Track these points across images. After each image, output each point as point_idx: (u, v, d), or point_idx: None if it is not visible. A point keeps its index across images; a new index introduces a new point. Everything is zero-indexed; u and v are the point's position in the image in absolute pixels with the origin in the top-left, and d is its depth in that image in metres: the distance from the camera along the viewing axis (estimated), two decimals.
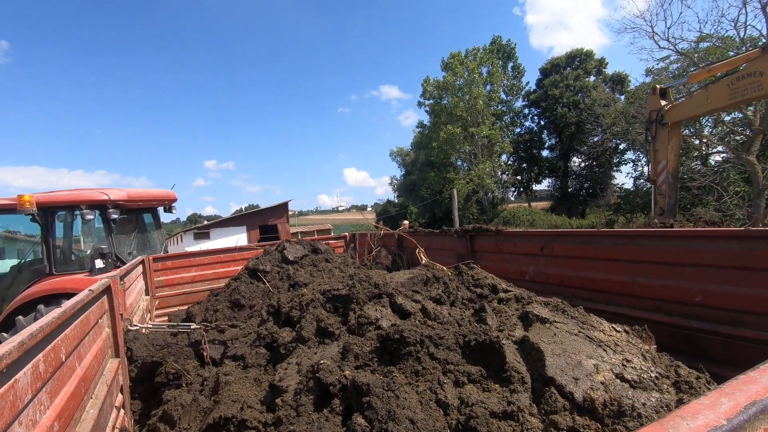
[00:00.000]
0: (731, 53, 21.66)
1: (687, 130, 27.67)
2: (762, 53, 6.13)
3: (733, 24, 18.54)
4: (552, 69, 39.69)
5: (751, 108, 22.59)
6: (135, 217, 6.91)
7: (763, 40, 18.56)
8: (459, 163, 40.15)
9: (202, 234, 32.07)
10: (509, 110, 42.33)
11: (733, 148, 22.74)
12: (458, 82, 37.99)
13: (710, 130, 27.27)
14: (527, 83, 42.44)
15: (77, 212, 5.89)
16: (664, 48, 21.74)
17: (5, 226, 6.24)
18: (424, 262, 3.28)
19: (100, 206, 5.96)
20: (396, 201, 50.22)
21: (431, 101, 40.16)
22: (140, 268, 4.95)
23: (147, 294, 5.03)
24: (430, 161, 40.70)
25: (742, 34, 18.78)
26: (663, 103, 7.87)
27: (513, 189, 44.76)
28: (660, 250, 2.58)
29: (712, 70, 7.43)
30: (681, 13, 28.68)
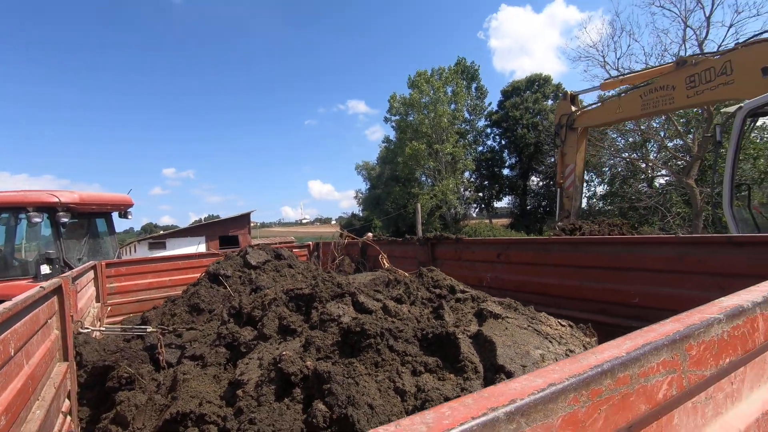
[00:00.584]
0: None
1: (635, 153, 29.60)
2: (676, 68, 6.19)
3: (674, 58, 20.15)
4: (513, 91, 41.47)
5: (690, 136, 24.52)
6: (87, 222, 6.61)
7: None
8: (423, 178, 40.92)
9: (158, 244, 30.71)
10: (472, 129, 43.77)
11: (675, 172, 24.53)
12: (424, 100, 38.93)
13: (655, 154, 29.30)
14: (490, 104, 44.08)
15: (23, 214, 5.57)
16: (615, 77, 23.25)
17: None
18: (386, 267, 3.37)
19: (50, 209, 5.67)
20: (361, 214, 50.27)
21: (397, 117, 40.91)
22: (91, 274, 4.73)
23: (98, 301, 4.80)
24: (396, 176, 41.21)
25: None
26: (573, 108, 7.85)
27: (475, 205, 45.97)
28: (602, 256, 2.79)
29: (626, 80, 7.44)
30: (629, 46, 30.91)
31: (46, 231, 5.87)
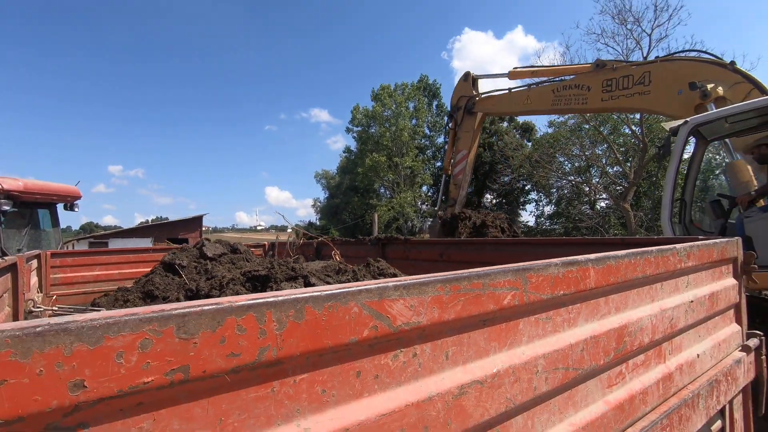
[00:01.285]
0: (615, 116, 25.56)
1: (579, 177, 31.64)
2: (595, 69, 6.01)
3: None
4: None
5: (629, 164, 26.60)
6: (30, 212, 6.35)
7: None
8: (382, 190, 41.52)
9: (99, 243, 29.07)
10: (432, 144, 45.03)
11: (614, 196, 26.49)
12: (386, 113, 39.71)
13: (597, 179, 31.48)
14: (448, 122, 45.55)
15: None
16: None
17: None
18: (338, 260, 3.60)
19: None
20: (318, 223, 49.99)
21: (359, 128, 41.43)
22: (34, 263, 4.59)
23: (40, 291, 4.66)
24: (355, 186, 41.53)
25: None
26: (474, 92, 7.36)
27: (431, 219, 47.01)
28: (533, 255, 3.18)
29: (538, 72, 6.96)
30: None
31: None
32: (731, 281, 1.84)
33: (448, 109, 7.69)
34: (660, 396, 1.29)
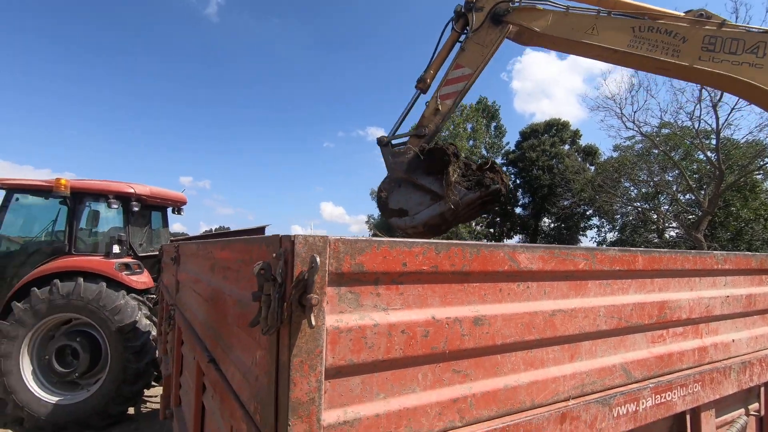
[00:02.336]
0: (687, 141, 24.36)
1: (646, 204, 30.15)
2: (697, 22, 4.85)
3: (689, 116, 21.00)
4: (531, 133, 42.70)
5: (702, 191, 25.04)
6: (149, 214, 7.55)
7: (713, 136, 21.06)
8: None
9: None
10: None
11: (685, 225, 24.98)
12: (443, 134, 40.28)
13: (667, 207, 29.84)
14: (507, 143, 45.24)
15: (104, 201, 6.52)
16: (630, 129, 24.08)
17: (26, 205, 6.76)
18: None
19: (125, 198, 6.63)
20: None
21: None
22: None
23: None
24: None
25: (696, 126, 21.31)
26: None
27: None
28: None
29: (604, 1, 5.20)
30: (646, 101, 31.99)
31: (119, 217, 6.81)
32: None
33: (461, 5, 5.17)
34: (695, 360, 1.73)
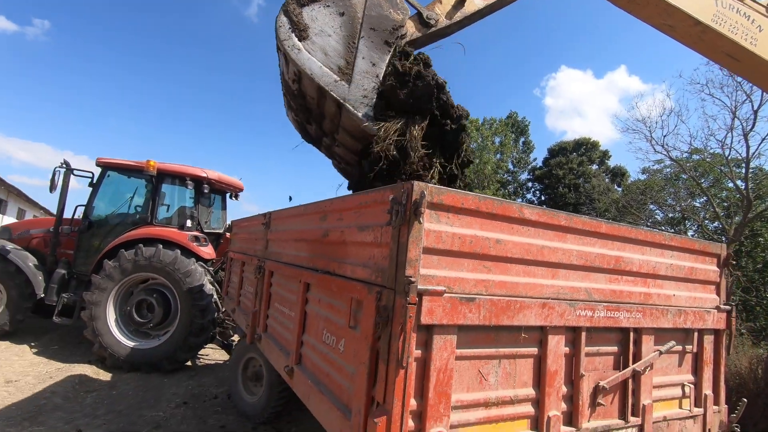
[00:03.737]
0: (717, 168, 24.43)
1: (672, 229, 30.09)
2: None
3: (720, 144, 21.16)
4: (559, 151, 42.90)
5: (730, 220, 25.02)
6: (212, 196, 8.71)
7: (743, 165, 21.15)
8: None
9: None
10: (514, 180, 45.28)
11: None
12: (471, 146, 40.94)
13: (693, 233, 29.69)
14: (535, 159, 45.56)
15: (180, 182, 7.71)
16: (659, 152, 24.28)
17: (114, 183, 7.98)
18: None
19: (198, 180, 7.81)
20: None
21: None
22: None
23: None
24: None
25: (727, 154, 21.46)
26: None
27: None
28: None
29: None
30: (676, 126, 32.02)
31: (190, 196, 7.98)
32: (713, 267, 3.04)
33: None
34: (641, 300, 2.61)
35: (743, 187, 21.12)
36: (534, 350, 2.19)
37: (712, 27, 4.09)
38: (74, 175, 7.71)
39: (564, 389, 2.27)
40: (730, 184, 24.91)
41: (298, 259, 3.22)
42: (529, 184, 45.84)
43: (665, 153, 24.30)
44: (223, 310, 7.20)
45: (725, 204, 27.13)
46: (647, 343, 2.60)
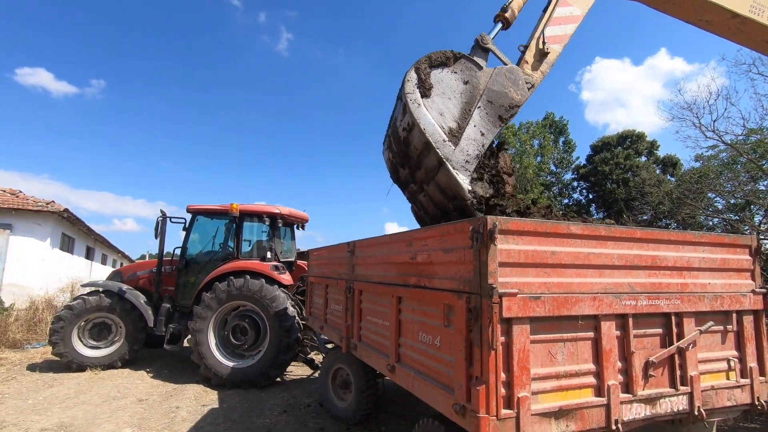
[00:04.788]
0: None
1: (736, 216, 28.56)
2: None
3: None
4: (603, 147, 41.88)
5: None
6: (284, 230, 9.81)
7: None
8: None
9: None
10: (558, 181, 44.51)
11: None
12: (510, 150, 40.88)
13: (760, 218, 28.02)
14: (578, 158, 44.65)
15: (258, 220, 8.84)
16: (711, 138, 23.43)
17: (202, 225, 9.24)
18: None
19: (274, 217, 8.90)
20: None
21: None
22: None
23: None
24: None
25: None
26: None
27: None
28: None
29: None
30: (726, 109, 30.62)
31: (266, 231, 9.10)
32: (746, 257, 3.52)
33: None
34: (679, 288, 3.17)
35: None
36: (591, 334, 2.83)
37: (750, 18, 4.13)
38: (171, 222, 9.03)
39: (619, 364, 2.88)
40: None
41: (389, 278, 4.02)
42: (575, 184, 44.86)
43: (717, 138, 23.39)
44: (303, 330, 8.15)
45: None
46: (688, 324, 3.14)
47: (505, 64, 4.03)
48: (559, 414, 2.63)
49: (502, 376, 2.52)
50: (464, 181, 3.59)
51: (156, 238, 8.78)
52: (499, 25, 4.25)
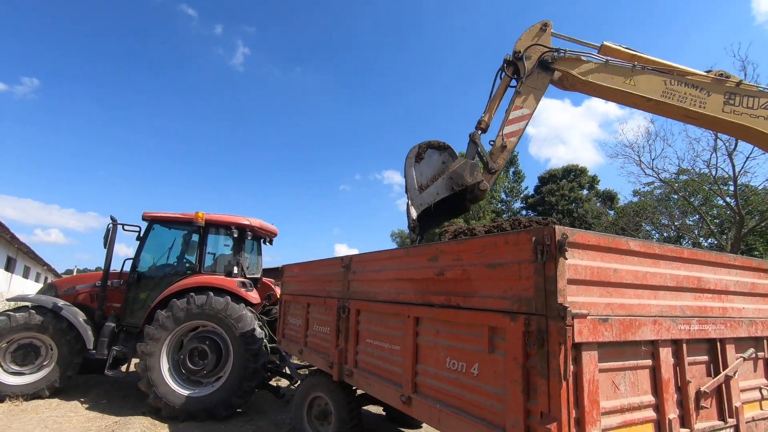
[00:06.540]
0: (706, 187, 25.44)
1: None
2: (715, 81, 5.46)
3: (706, 164, 22.26)
4: (550, 178, 44.20)
5: (725, 236, 25.81)
6: (251, 243, 9.06)
7: (731, 183, 22.13)
8: None
9: None
10: (508, 209, 46.26)
11: None
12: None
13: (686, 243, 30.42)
14: (526, 188, 46.79)
15: (225, 231, 8.08)
16: (650, 175, 25.37)
17: (159, 234, 8.30)
18: None
19: (242, 229, 8.18)
20: None
21: None
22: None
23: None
24: None
25: (714, 173, 22.51)
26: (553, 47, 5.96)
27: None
28: None
29: (638, 58, 5.73)
30: (663, 149, 33.57)
31: (231, 244, 8.32)
32: None
33: (509, 54, 6.02)
34: (720, 313, 3.03)
35: (733, 204, 22.07)
36: (648, 362, 2.58)
37: (662, 101, 5.51)
38: (124, 230, 8.03)
39: (675, 395, 2.64)
40: (721, 202, 25.94)
41: (402, 296, 3.60)
42: (523, 213, 46.76)
43: (655, 175, 25.35)
44: (270, 354, 7.40)
45: (717, 221, 28.07)
46: (730, 351, 3.00)
47: (482, 157, 5.85)
48: None
49: (573, 411, 2.18)
50: (414, 213, 5.57)
51: (105, 247, 7.74)
52: (480, 131, 5.99)
